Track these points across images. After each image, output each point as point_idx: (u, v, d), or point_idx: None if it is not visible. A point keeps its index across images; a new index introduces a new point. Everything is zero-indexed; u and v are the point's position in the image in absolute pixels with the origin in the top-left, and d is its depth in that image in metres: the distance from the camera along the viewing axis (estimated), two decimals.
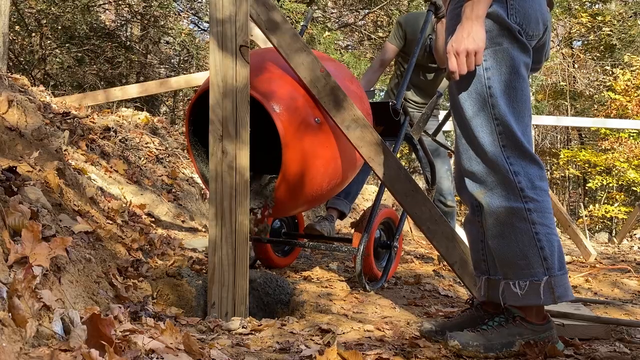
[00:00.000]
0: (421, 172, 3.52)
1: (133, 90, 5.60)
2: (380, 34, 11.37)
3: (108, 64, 10.03)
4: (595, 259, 4.30)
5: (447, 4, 1.67)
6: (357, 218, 3.04)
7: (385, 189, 2.54)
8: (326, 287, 2.53)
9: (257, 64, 2.24)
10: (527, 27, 1.55)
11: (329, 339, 1.63)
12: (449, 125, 5.73)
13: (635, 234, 7.84)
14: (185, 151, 4.87)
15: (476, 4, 1.47)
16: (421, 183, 4.47)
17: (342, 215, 3.09)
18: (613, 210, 11.16)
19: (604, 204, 11.69)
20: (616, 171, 11.10)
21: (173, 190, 4.13)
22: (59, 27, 9.16)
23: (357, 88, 2.46)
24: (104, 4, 10.45)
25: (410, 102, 3.51)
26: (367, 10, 11.17)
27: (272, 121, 2.14)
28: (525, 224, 1.52)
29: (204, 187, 4.43)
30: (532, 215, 1.52)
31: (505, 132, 1.53)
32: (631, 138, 10.95)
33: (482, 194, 1.57)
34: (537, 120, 6.81)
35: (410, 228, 5.06)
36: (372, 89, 3.54)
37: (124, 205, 3.06)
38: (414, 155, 3.60)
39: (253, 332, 1.75)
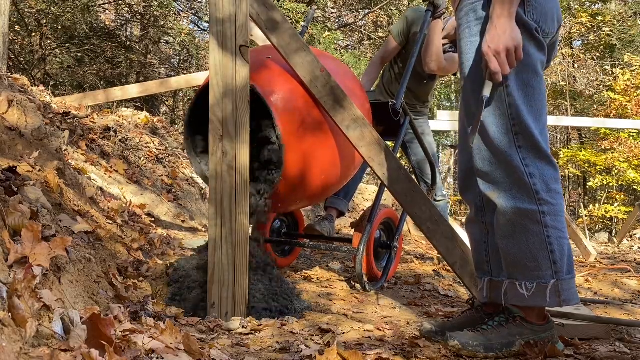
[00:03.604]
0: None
1: (133, 90, 5.60)
2: (380, 34, 11.37)
3: (108, 64, 10.03)
4: (595, 259, 4.30)
5: (456, 1, 1.64)
6: (357, 218, 3.03)
7: (385, 189, 2.54)
8: (326, 287, 2.53)
9: (257, 62, 2.23)
10: (543, 24, 1.52)
11: (329, 339, 1.63)
12: (448, 125, 5.73)
13: (635, 234, 7.84)
14: (186, 151, 4.87)
15: (507, 1, 1.44)
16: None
17: (340, 214, 3.10)
18: (613, 210, 11.16)
19: (604, 203, 11.69)
20: (616, 171, 11.09)
21: (173, 190, 4.13)
22: (59, 27, 9.16)
23: (357, 87, 2.46)
24: (104, 4, 10.46)
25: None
26: (367, 10, 11.17)
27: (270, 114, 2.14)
28: (537, 226, 1.50)
29: (204, 187, 4.43)
30: (545, 218, 1.50)
31: (522, 133, 1.50)
32: (631, 138, 10.94)
33: (495, 195, 1.54)
34: None
35: (409, 229, 5.06)
36: (372, 89, 3.53)
37: (124, 205, 3.06)
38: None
39: (253, 332, 1.75)
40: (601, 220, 11.79)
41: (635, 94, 11.26)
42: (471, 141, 1.54)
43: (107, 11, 11.53)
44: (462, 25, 1.59)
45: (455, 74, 3.45)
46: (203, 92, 2.17)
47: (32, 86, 4.41)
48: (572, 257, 1.57)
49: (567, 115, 12.72)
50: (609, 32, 12.73)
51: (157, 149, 4.59)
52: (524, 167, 1.50)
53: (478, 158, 1.57)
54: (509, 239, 1.54)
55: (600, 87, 12.92)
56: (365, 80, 3.40)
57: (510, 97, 1.50)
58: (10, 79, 3.76)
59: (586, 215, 10.92)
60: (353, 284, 2.61)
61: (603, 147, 11.52)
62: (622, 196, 11.78)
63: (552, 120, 8.28)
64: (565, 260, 1.52)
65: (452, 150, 15.26)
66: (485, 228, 1.66)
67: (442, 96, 12.18)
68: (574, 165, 12.75)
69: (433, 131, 3.92)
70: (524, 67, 1.51)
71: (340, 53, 9.61)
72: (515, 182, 1.51)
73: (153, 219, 3.41)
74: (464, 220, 1.82)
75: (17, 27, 9.11)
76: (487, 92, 1.49)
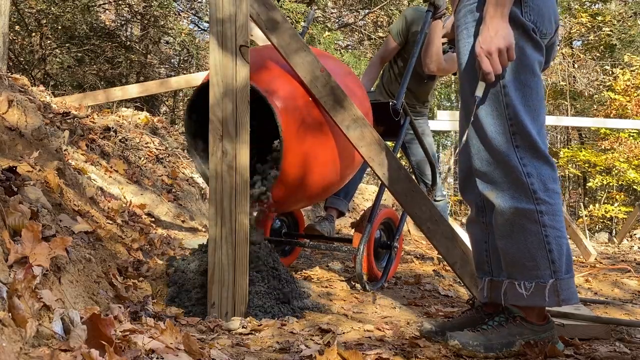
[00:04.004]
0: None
1: (133, 90, 5.60)
2: (380, 34, 11.37)
3: (108, 64, 10.03)
4: (595, 259, 4.30)
5: (455, 2, 1.65)
6: (357, 218, 3.04)
7: (385, 189, 2.54)
8: (326, 287, 2.53)
9: (258, 61, 2.23)
10: (541, 25, 1.53)
11: (329, 339, 1.63)
12: (448, 125, 5.73)
13: (635, 234, 7.84)
14: (186, 151, 4.87)
15: (500, 2, 1.45)
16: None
17: (340, 214, 3.10)
18: (613, 210, 11.16)
19: (604, 203, 11.69)
20: (616, 171, 11.09)
21: (173, 190, 4.13)
22: (59, 27, 9.16)
23: (357, 86, 2.46)
24: (104, 4, 10.46)
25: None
26: (367, 10, 11.17)
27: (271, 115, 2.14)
28: (535, 226, 1.51)
29: (204, 187, 4.43)
30: (543, 217, 1.51)
31: (519, 132, 1.51)
32: (631, 138, 10.94)
33: (493, 195, 1.55)
34: None
35: (409, 229, 5.07)
36: (372, 89, 3.53)
37: (124, 205, 3.06)
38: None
39: (253, 332, 1.75)
40: (601, 220, 11.80)
41: (635, 94, 11.27)
42: (463, 138, 1.56)
43: (107, 11, 11.53)
44: (461, 27, 1.60)
45: (455, 74, 3.45)
46: (201, 90, 2.16)
47: (32, 86, 4.41)
48: (571, 257, 1.57)
49: (567, 115, 12.72)
50: (609, 32, 12.73)
51: (157, 149, 4.59)
52: (521, 167, 1.51)
53: (476, 158, 1.58)
54: (507, 239, 1.54)
55: (600, 87, 12.93)
56: (365, 80, 3.40)
57: (507, 97, 1.51)
58: (10, 79, 3.76)
59: (586, 215, 10.92)
60: (353, 284, 2.61)
61: (603, 147, 11.53)
62: (622, 196, 11.78)
63: (552, 120, 8.28)
64: (564, 260, 1.52)
65: (452, 150, 15.27)
66: (486, 228, 1.67)
67: (442, 96, 12.19)
68: (573, 165, 12.76)
69: (433, 131, 3.92)
70: (522, 68, 1.51)
71: (340, 53, 9.61)
72: (513, 182, 1.52)
73: (153, 219, 3.41)
74: (464, 220, 1.82)
75: (17, 27, 9.11)
76: (479, 92, 1.51)
